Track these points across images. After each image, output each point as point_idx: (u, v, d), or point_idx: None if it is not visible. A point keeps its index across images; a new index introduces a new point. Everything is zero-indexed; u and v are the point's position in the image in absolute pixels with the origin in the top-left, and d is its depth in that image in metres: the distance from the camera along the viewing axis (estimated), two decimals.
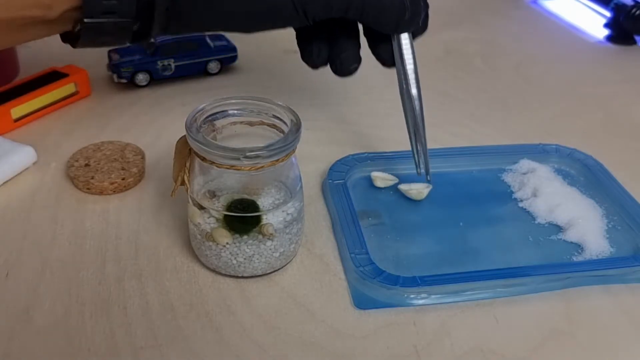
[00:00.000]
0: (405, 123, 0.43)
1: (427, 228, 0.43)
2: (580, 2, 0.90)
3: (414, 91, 0.41)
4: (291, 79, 0.65)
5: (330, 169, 0.47)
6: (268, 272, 0.39)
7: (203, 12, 0.37)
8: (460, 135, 0.55)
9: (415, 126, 0.42)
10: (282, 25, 0.39)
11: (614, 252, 0.41)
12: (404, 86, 0.41)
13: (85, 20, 0.35)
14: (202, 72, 0.62)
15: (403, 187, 0.46)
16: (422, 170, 0.44)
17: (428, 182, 0.44)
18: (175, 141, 0.37)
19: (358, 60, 0.42)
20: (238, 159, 0.34)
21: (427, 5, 0.40)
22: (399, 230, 0.43)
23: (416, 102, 0.41)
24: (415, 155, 0.43)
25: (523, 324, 0.36)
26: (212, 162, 0.35)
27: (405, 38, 0.40)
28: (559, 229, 0.43)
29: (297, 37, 0.44)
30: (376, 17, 0.39)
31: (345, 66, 0.42)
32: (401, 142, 0.53)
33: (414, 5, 0.39)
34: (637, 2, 0.76)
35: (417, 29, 0.41)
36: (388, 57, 0.42)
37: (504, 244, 0.42)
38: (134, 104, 0.58)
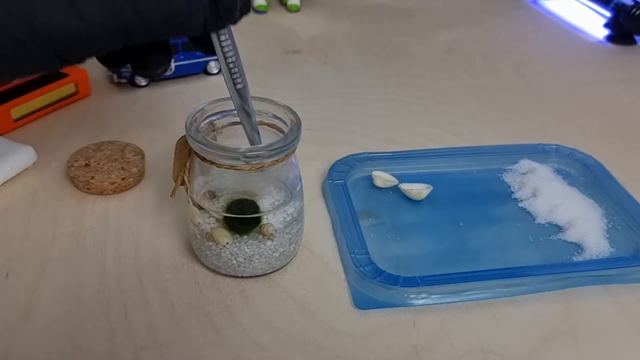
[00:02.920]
0: (238, 115, 0.36)
1: (427, 228, 0.43)
2: (580, 2, 0.90)
3: (239, 87, 0.35)
4: (291, 79, 0.65)
5: (330, 169, 0.47)
6: (268, 272, 0.39)
7: None
8: (460, 135, 0.55)
9: (246, 116, 0.36)
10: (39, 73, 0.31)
11: (614, 252, 0.41)
12: (228, 82, 0.35)
13: None
14: (202, 72, 0.63)
15: (403, 187, 0.46)
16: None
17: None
18: (175, 141, 0.37)
19: (164, 64, 0.34)
20: (238, 159, 0.34)
21: None
22: (399, 230, 0.43)
23: (244, 98, 0.36)
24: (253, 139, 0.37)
25: (523, 324, 0.36)
26: (212, 162, 0.35)
27: (222, 33, 0.33)
28: (559, 229, 0.43)
29: None
30: (172, 33, 0.30)
31: (149, 74, 0.35)
32: (401, 142, 0.54)
33: (224, 4, 0.30)
34: (637, 2, 0.76)
35: (235, 19, 0.33)
36: (208, 49, 0.34)
37: (503, 244, 0.42)
38: (134, 104, 0.58)
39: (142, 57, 0.33)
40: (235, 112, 0.36)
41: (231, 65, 0.35)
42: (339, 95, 0.62)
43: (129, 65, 0.35)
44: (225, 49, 0.34)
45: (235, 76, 0.35)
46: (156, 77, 0.35)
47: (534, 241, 0.42)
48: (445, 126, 0.57)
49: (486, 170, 0.49)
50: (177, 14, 0.29)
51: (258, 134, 0.37)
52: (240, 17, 0.33)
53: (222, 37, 0.33)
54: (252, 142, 0.37)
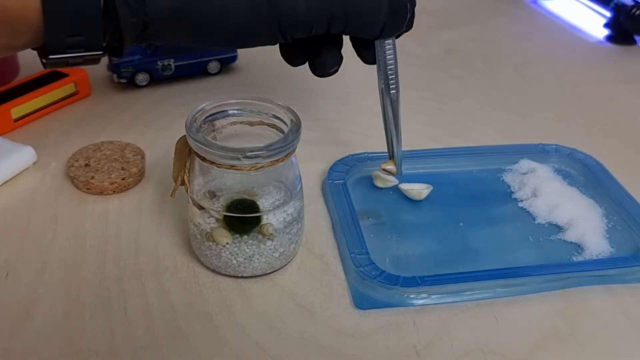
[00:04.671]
0: (383, 120, 0.42)
1: (427, 228, 0.43)
2: (580, 2, 0.90)
3: (392, 92, 0.41)
4: (291, 79, 0.65)
5: (330, 169, 0.47)
6: (268, 272, 0.39)
7: (175, 37, 0.35)
8: (460, 135, 0.55)
9: (393, 124, 0.41)
10: (260, 45, 0.38)
11: (614, 252, 0.41)
12: (384, 86, 0.41)
13: (50, 57, 0.33)
14: (202, 72, 0.62)
15: (403, 187, 0.46)
16: (396, 165, 0.43)
17: (400, 176, 0.44)
18: (175, 141, 0.37)
19: (338, 62, 0.40)
20: (238, 159, 0.34)
21: (413, 5, 0.38)
22: (399, 230, 0.43)
23: (394, 102, 0.41)
24: (390, 151, 0.43)
25: (523, 324, 0.36)
26: (212, 162, 0.35)
27: (388, 42, 0.40)
28: (559, 229, 0.43)
29: None
30: (359, 29, 0.37)
31: (324, 69, 0.40)
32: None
33: (399, 12, 0.37)
34: (637, 2, 0.76)
35: (401, 31, 0.40)
36: (371, 58, 0.41)
37: (504, 244, 0.42)
38: (134, 104, 0.58)
39: (320, 54, 0.40)
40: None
41: (390, 73, 0.40)
42: (339, 95, 0.62)
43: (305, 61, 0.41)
44: (389, 57, 0.40)
45: (392, 83, 0.40)
46: (327, 75, 0.41)
47: (534, 241, 0.42)
48: (445, 126, 0.57)
49: (486, 170, 0.49)
50: (371, 10, 0.36)
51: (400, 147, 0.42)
52: (406, 30, 0.39)
53: (387, 46, 0.39)
54: (392, 154, 0.42)
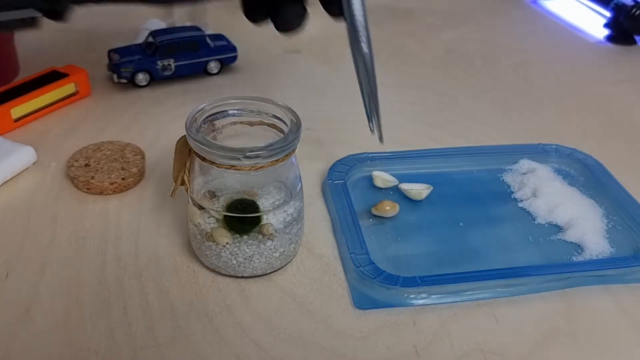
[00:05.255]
0: (358, 83, 0.39)
1: (427, 228, 0.43)
2: (580, 2, 0.90)
3: (365, 49, 0.37)
4: (291, 79, 0.65)
5: (330, 169, 0.47)
6: (268, 272, 0.39)
7: None
8: (460, 135, 0.55)
9: (368, 84, 0.39)
10: None
11: (614, 252, 0.41)
12: (354, 43, 0.37)
13: None
14: (202, 72, 0.62)
15: (403, 187, 0.46)
16: (375, 129, 0.41)
17: (381, 142, 0.42)
18: (175, 141, 0.38)
19: (301, 15, 0.37)
20: (238, 159, 0.34)
21: None
22: (399, 230, 0.43)
23: (367, 59, 0.38)
24: (368, 114, 0.41)
25: (523, 324, 0.36)
26: (212, 162, 0.35)
27: None
28: (559, 229, 0.43)
29: None
30: None
31: (286, 24, 0.37)
32: (401, 142, 0.54)
33: None
34: (637, 2, 0.76)
35: None
36: (337, 10, 0.37)
37: (504, 244, 0.42)
38: (134, 104, 0.58)
39: (281, 8, 0.36)
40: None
41: (360, 28, 0.36)
42: (338, 95, 0.62)
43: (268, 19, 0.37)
44: (356, 9, 0.36)
45: (362, 39, 0.36)
46: (293, 31, 0.38)
47: (534, 241, 0.42)
48: (445, 126, 0.57)
49: (486, 170, 0.49)
50: None
51: (377, 114, 0.39)
52: None
53: None
54: (370, 119, 0.40)
